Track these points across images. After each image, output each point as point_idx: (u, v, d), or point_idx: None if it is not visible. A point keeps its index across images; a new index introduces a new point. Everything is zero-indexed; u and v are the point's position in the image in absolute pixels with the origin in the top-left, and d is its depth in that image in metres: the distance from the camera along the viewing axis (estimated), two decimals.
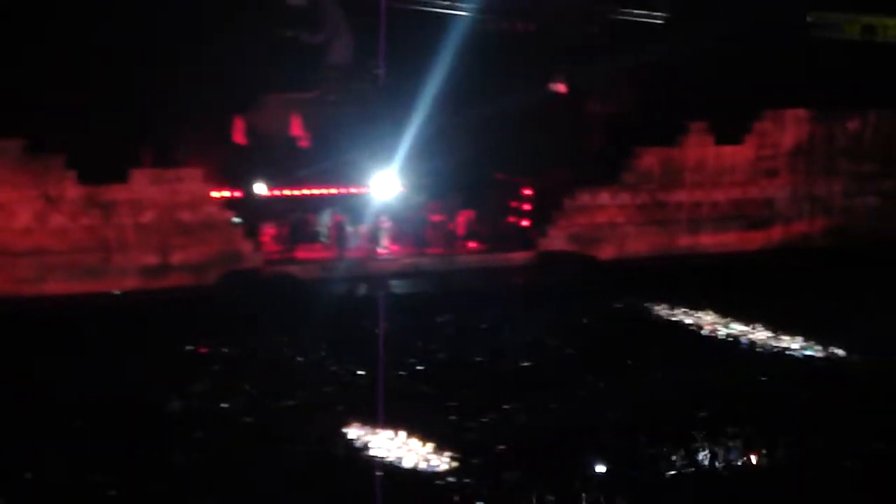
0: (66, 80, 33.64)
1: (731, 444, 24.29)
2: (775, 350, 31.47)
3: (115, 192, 33.34)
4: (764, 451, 24.07)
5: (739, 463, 23.81)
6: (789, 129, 42.60)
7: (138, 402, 25.56)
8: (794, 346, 31.65)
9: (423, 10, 41.63)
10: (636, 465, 23.33)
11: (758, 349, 31.53)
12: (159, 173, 33.87)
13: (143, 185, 33.63)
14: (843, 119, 43.57)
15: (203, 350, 29.30)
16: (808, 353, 31.17)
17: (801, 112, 42.68)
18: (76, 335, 29.38)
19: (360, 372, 28.14)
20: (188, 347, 29.29)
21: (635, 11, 42.94)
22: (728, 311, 34.32)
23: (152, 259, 33.88)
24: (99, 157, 33.23)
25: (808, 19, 45.93)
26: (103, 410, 24.91)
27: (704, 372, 28.92)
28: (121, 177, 33.44)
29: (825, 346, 31.40)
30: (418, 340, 30.78)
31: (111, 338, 29.21)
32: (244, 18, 36.80)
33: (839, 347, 31.31)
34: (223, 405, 25.86)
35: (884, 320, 33.54)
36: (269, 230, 36.49)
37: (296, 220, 36.62)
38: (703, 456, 23.80)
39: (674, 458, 23.63)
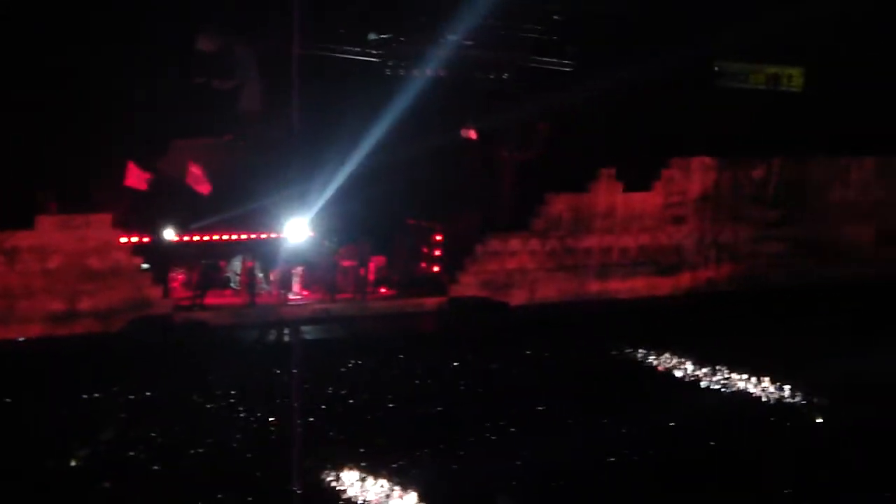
0: None
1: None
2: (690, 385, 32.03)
3: (21, 239, 32.94)
4: None
5: None
6: (696, 176, 43.24)
7: (45, 450, 25.14)
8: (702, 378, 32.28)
9: (335, 57, 41.65)
10: None
11: (673, 388, 31.90)
12: (67, 219, 33.56)
13: (49, 232, 33.30)
14: (749, 166, 44.33)
15: (110, 397, 28.87)
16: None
17: (708, 160, 43.37)
18: None
19: (269, 418, 27.92)
20: (95, 394, 28.84)
21: (545, 59, 43.30)
22: (646, 349, 34.81)
23: (59, 305, 33.49)
24: (4, 203, 32.81)
25: (714, 68, 46.64)
26: (6, 460, 24.48)
27: (615, 416, 29.02)
28: (27, 223, 33.02)
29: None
30: (328, 386, 30.62)
31: (15, 385, 28.73)
32: (156, 63, 36.62)
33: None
34: (130, 453, 25.51)
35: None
36: (178, 276, 36.24)
37: (206, 265, 36.38)
38: None
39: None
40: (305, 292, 37.55)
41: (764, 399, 31.14)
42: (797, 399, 30.95)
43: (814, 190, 45.72)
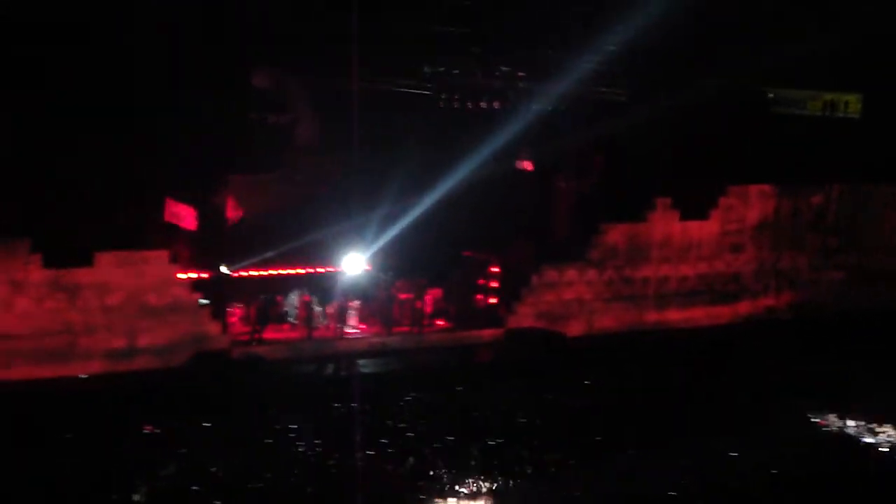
0: (32, 164, 33.62)
1: None
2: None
3: (81, 276, 33.15)
4: None
5: None
6: (754, 203, 42.90)
7: (107, 486, 25.30)
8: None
9: (389, 90, 41.87)
10: None
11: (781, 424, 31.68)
12: (125, 256, 33.71)
13: (109, 268, 33.44)
14: (808, 194, 43.94)
15: (171, 432, 28.98)
16: None
17: (766, 187, 43.02)
18: (44, 421, 29.03)
19: (328, 452, 27.93)
20: (156, 430, 28.98)
21: (600, 90, 43.31)
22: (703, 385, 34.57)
23: (119, 342, 33.62)
24: (64, 240, 33.10)
25: (770, 95, 46.39)
26: (72, 495, 24.64)
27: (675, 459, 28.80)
28: (86, 260, 33.26)
29: None
30: (387, 419, 30.60)
31: (78, 422, 28.93)
32: (212, 100, 36.92)
33: None
34: (193, 488, 25.59)
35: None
36: (236, 311, 36.34)
37: (263, 300, 36.45)
38: None
39: None
40: (362, 326, 37.54)
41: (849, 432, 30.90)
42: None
43: (873, 217, 45.28)
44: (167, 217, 36.24)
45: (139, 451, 27.60)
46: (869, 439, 30.98)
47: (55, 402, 30.30)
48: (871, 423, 31.83)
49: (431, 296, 38.65)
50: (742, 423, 31.48)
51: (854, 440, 31.07)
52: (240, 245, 35.76)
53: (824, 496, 27.21)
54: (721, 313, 42.38)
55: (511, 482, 26.49)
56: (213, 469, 26.62)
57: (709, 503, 26.21)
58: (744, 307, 42.94)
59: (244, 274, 35.99)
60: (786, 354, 38.28)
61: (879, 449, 30.47)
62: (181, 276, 34.73)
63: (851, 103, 47.32)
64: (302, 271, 36.90)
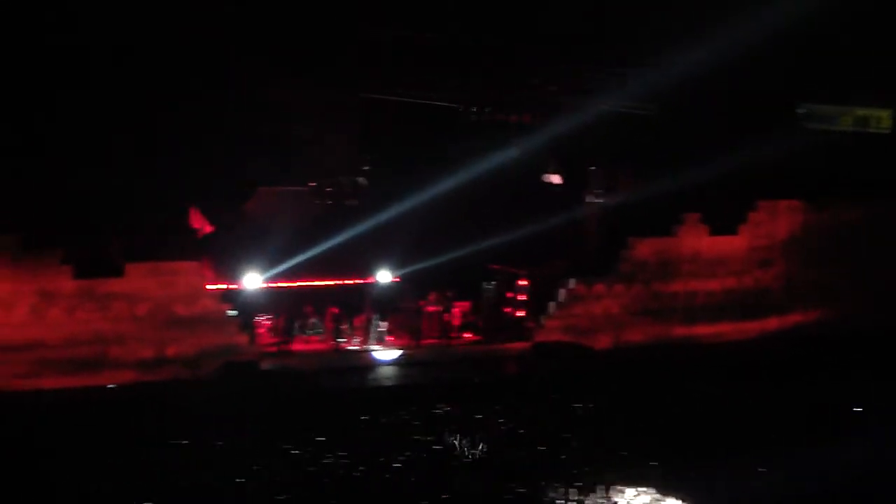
0: (64, 175, 33.93)
1: None
2: None
3: (111, 286, 33.43)
4: None
5: None
6: (783, 219, 42.80)
7: (135, 496, 25.47)
8: None
9: (418, 104, 41.95)
10: None
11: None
12: (155, 266, 33.97)
13: (138, 279, 33.73)
14: (838, 209, 43.76)
15: (199, 443, 29.13)
16: None
17: (795, 202, 42.92)
18: (74, 430, 29.27)
19: (354, 464, 28.02)
20: (184, 441, 29.13)
21: (629, 104, 43.24)
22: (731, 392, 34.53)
23: (148, 352, 33.88)
24: (95, 251, 33.38)
25: (801, 110, 46.22)
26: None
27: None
28: (116, 270, 33.54)
29: None
30: (414, 432, 30.67)
31: (108, 431, 29.15)
32: (241, 112, 37.17)
33: None
34: (219, 497, 25.73)
35: None
36: (264, 322, 36.50)
37: (291, 312, 36.61)
38: None
39: None
40: (390, 338, 37.62)
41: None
42: None
43: None
44: (196, 228, 36.45)
45: (167, 462, 27.75)
46: None
47: (85, 411, 30.58)
48: None
49: (459, 308, 38.72)
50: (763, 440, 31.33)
51: None
52: (269, 257, 35.92)
53: None
54: (749, 328, 42.25)
55: (538, 494, 26.52)
56: (241, 480, 26.74)
57: None
58: (772, 323, 42.77)
59: (272, 285, 36.17)
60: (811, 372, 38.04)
61: None
62: (210, 287, 34.95)
63: (884, 119, 47.06)
64: (330, 283, 37.04)
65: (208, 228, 36.86)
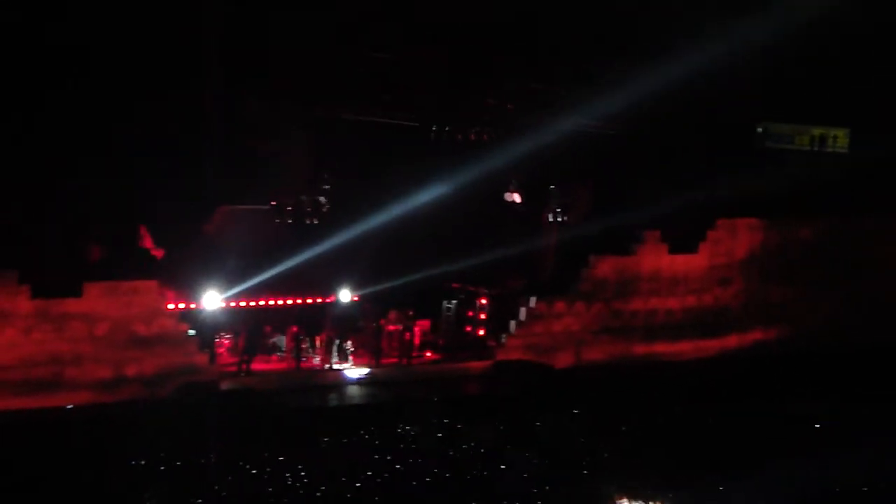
0: (20, 193, 33.67)
1: None
2: None
3: (69, 306, 33.15)
4: None
5: None
6: (743, 237, 43.01)
7: None
8: None
9: (378, 122, 41.92)
10: None
11: None
12: (113, 286, 33.71)
13: (96, 298, 33.46)
14: (796, 227, 44.02)
15: (157, 463, 28.91)
16: None
17: (754, 221, 43.14)
18: (29, 451, 28.97)
19: (315, 484, 27.88)
20: (142, 461, 28.89)
21: (588, 122, 43.36)
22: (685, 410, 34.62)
23: (106, 372, 33.61)
24: (52, 270, 33.11)
25: (758, 129, 46.52)
26: None
27: None
28: (75, 290, 33.25)
29: None
30: (375, 452, 30.56)
31: (64, 453, 28.87)
32: (201, 130, 37.02)
33: None
34: None
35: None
36: (224, 342, 36.32)
37: (251, 331, 36.44)
38: None
39: None
40: (351, 357, 37.49)
41: None
42: None
43: (862, 250, 45.27)
44: (156, 247, 36.24)
45: (125, 483, 27.53)
46: None
47: (41, 432, 30.27)
48: None
49: (420, 327, 38.69)
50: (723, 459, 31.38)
51: None
52: (228, 277, 35.75)
53: None
54: (709, 346, 42.40)
55: None
56: (199, 501, 26.55)
57: None
58: (732, 341, 42.94)
59: (232, 305, 36.00)
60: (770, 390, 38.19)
61: None
62: (169, 306, 34.75)
63: (840, 138, 47.42)
64: (290, 303, 36.89)
65: (167, 247, 36.59)
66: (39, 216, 33.70)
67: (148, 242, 36.29)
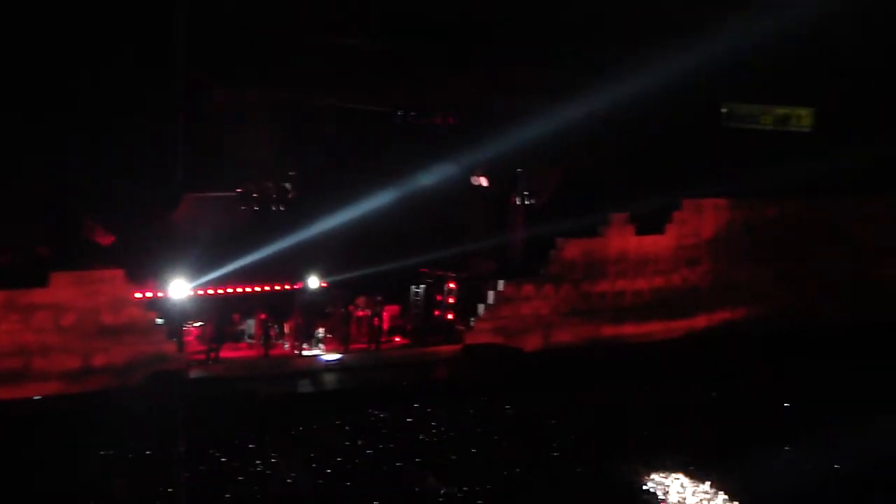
0: None
1: None
2: None
3: (35, 296, 32.96)
4: None
5: None
6: (709, 217, 43.15)
7: None
8: None
9: (346, 108, 41.86)
10: None
11: None
12: (80, 275, 33.54)
13: (64, 288, 33.27)
14: (762, 207, 44.21)
15: (127, 452, 28.86)
16: None
17: (720, 201, 43.29)
18: None
19: (285, 470, 27.93)
20: (110, 451, 28.84)
21: (556, 105, 43.40)
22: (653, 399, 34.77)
23: (74, 362, 33.46)
24: (18, 260, 32.95)
25: (723, 110, 46.66)
26: None
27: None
28: (41, 280, 33.08)
29: None
30: (345, 438, 30.62)
31: (32, 444, 28.81)
32: (169, 117, 36.91)
33: None
34: None
35: None
36: (192, 330, 36.22)
37: (220, 319, 36.36)
38: None
39: None
40: (320, 343, 37.46)
41: None
42: None
43: (827, 229, 45.54)
44: (122, 235, 36.07)
45: (94, 473, 27.53)
46: None
47: (8, 424, 30.17)
48: None
49: (388, 312, 38.69)
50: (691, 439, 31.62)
51: None
52: (195, 264, 35.63)
53: None
54: (677, 327, 42.57)
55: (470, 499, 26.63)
56: (169, 490, 26.55)
57: None
58: (700, 321, 43.14)
59: (200, 293, 35.89)
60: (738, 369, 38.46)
61: None
62: (137, 295, 34.64)
63: (804, 117, 47.62)
64: (258, 290, 36.82)
65: (134, 236, 36.42)
66: (2, 207, 33.46)
67: (116, 231, 36.06)
